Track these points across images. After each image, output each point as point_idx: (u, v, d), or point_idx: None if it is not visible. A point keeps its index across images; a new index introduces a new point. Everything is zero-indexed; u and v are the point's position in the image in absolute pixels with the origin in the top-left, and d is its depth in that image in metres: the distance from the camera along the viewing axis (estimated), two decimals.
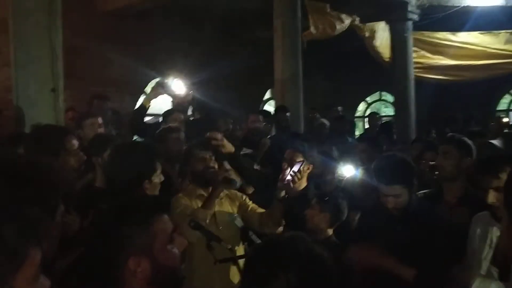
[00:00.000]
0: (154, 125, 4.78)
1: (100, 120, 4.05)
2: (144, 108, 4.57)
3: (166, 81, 4.79)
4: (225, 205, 3.12)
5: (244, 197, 3.23)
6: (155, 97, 4.63)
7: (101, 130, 3.98)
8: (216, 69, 7.62)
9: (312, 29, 7.20)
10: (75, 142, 2.66)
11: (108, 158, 2.63)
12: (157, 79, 4.97)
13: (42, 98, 3.76)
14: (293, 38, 6.62)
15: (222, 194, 3.09)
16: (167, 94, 4.87)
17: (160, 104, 6.37)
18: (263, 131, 5.54)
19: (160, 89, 4.59)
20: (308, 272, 1.26)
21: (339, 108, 8.06)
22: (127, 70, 7.73)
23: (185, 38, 8.03)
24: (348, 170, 3.84)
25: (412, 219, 2.67)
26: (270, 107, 10.40)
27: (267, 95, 10.99)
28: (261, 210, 3.15)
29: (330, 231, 3.03)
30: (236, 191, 3.25)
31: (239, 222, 3.20)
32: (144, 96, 4.99)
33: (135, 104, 8.37)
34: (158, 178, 2.53)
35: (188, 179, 3.30)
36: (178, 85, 4.77)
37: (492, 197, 2.33)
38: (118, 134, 4.97)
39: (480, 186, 2.50)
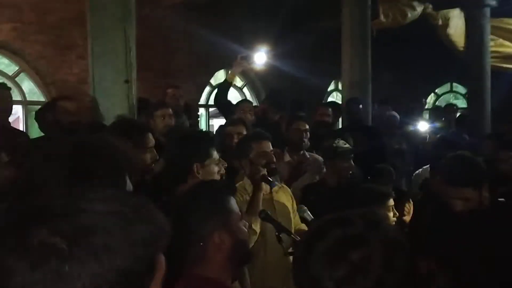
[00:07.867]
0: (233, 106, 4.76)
1: (170, 111, 4.10)
2: (227, 83, 4.65)
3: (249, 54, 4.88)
4: (281, 196, 3.11)
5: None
6: (239, 70, 4.71)
7: (172, 121, 4.03)
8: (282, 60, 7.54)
9: (382, 17, 6.93)
10: (153, 140, 2.71)
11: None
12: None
13: (116, 89, 3.84)
14: (362, 27, 6.40)
15: (276, 188, 3.06)
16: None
17: None
18: (330, 125, 5.40)
19: (244, 62, 4.67)
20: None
21: (424, 100, 7.71)
22: (193, 61, 7.84)
23: (252, 31, 7.97)
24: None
25: (483, 221, 2.49)
26: (333, 99, 10.18)
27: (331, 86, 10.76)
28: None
29: None
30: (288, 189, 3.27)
31: (308, 215, 3.15)
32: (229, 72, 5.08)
33: (201, 95, 8.50)
34: (214, 165, 2.55)
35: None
36: (261, 58, 4.83)
37: None
38: (191, 126, 5.04)
39: None
